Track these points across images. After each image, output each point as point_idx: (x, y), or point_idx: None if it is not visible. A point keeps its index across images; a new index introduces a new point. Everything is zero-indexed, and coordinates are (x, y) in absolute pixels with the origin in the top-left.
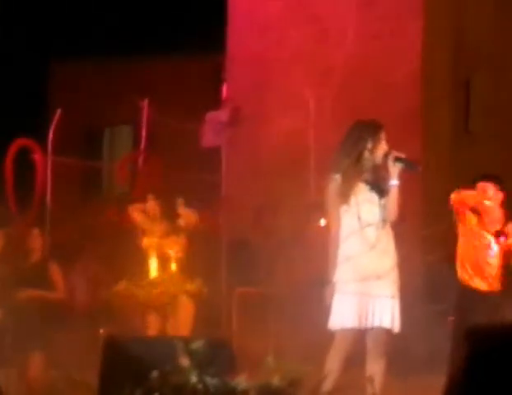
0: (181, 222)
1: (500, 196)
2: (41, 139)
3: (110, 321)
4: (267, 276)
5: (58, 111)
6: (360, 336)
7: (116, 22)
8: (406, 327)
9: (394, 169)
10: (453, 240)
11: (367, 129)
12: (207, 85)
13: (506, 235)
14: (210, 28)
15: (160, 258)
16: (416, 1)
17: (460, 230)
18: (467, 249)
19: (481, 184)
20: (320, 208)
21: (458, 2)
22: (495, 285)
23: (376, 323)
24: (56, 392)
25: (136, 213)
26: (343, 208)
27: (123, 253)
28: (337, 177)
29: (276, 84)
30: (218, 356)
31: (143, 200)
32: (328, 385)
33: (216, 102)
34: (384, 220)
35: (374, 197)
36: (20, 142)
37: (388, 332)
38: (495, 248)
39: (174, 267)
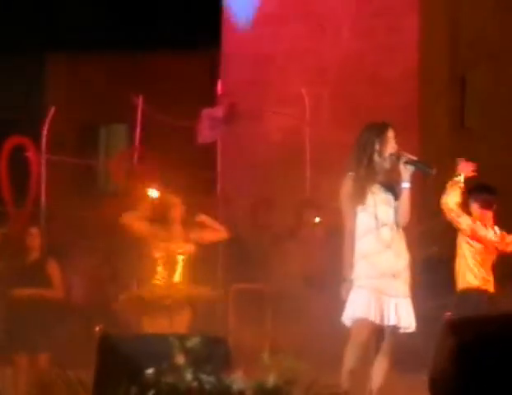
0: (193, 235)
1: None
2: (37, 137)
3: (106, 319)
4: (262, 272)
5: (52, 109)
6: (375, 332)
7: (111, 19)
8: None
9: (405, 172)
10: (450, 236)
11: (373, 131)
12: (202, 81)
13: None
14: (205, 24)
15: (168, 262)
16: None
17: (457, 230)
18: (464, 249)
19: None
20: (315, 205)
21: None
22: (491, 285)
23: (392, 322)
24: (52, 391)
25: (136, 224)
26: (359, 207)
27: (120, 249)
28: (352, 177)
29: (272, 80)
30: (214, 354)
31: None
32: (346, 383)
33: (211, 98)
34: (397, 222)
35: (390, 198)
36: (14, 140)
37: (402, 331)
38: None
39: (180, 271)
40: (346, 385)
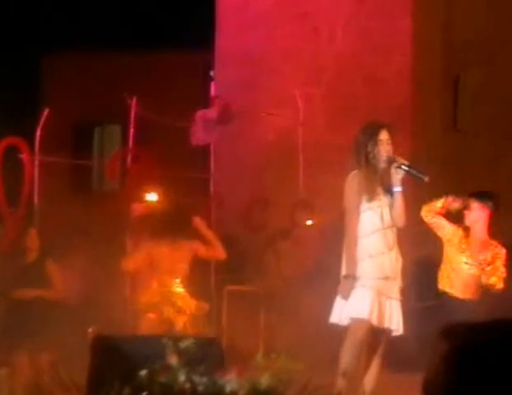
0: (187, 247)
1: (484, 213)
2: (31, 138)
3: (99, 319)
4: (256, 273)
5: (46, 110)
6: (372, 332)
7: (105, 20)
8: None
9: (396, 176)
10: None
11: (366, 133)
12: (196, 82)
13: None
14: (199, 25)
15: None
16: None
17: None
18: (447, 258)
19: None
20: (308, 206)
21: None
22: (472, 294)
23: (390, 324)
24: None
25: (137, 269)
26: (365, 205)
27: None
28: (358, 174)
29: (266, 81)
30: (207, 355)
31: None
32: (342, 383)
33: (205, 100)
34: (396, 225)
35: (389, 201)
36: (7, 141)
37: (395, 333)
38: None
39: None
40: (341, 386)
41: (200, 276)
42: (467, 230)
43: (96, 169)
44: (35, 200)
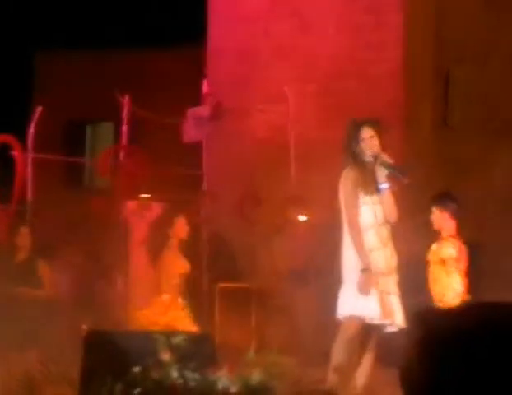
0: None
1: (445, 215)
2: (23, 135)
3: (93, 315)
4: (248, 269)
5: (39, 107)
6: (364, 328)
7: (97, 17)
8: None
9: (380, 173)
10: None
11: (350, 130)
12: (188, 80)
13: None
14: (191, 22)
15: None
16: None
17: None
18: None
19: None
20: (300, 202)
21: None
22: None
23: (392, 320)
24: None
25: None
26: (361, 201)
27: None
28: (352, 172)
29: (258, 78)
30: (199, 351)
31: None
32: (335, 378)
33: (197, 97)
34: (389, 221)
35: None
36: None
37: (395, 328)
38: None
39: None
40: (333, 381)
41: (192, 272)
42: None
43: (89, 166)
44: (28, 197)
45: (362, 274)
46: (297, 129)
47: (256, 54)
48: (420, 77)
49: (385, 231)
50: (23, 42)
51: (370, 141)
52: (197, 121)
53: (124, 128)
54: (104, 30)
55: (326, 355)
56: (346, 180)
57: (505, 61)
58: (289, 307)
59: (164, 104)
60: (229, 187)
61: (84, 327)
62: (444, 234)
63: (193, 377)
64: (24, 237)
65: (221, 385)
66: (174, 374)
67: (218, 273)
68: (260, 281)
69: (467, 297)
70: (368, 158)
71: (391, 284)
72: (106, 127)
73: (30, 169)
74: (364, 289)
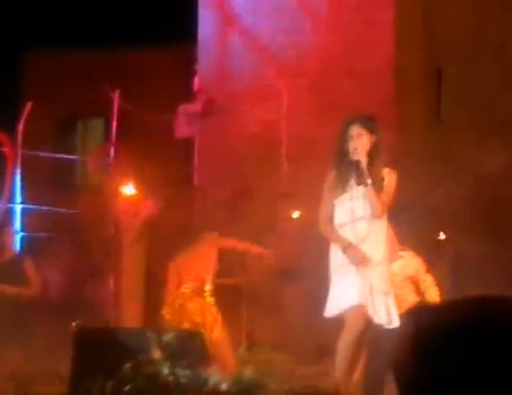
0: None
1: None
2: (14, 133)
3: (83, 314)
4: (239, 266)
5: (29, 104)
6: (368, 318)
7: (87, 13)
8: None
9: (365, 169)
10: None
11: (342, 126)
12: (179, 76)
13: None
14: (182, 19)
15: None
16: None
17: None
18: None
19: None
20: (292, 198)
21: None
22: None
23: (372, 317)
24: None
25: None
26: (337, 200)
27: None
28: (333, 172)
29: (249, 75)
30: (190, 348)
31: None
32: (341, 372)
33: (189, 93)
34: (373, 216)
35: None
36: None
37: (378, 326)
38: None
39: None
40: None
41: None
42: None
43: (79, 162)
44: (19, 194)
45: (347, 252)
46: (287, 125)
47: (247, 51)
48: (411, 74)
49: (365, 227)
50: (13, 39)
51: (356, 139)
52: (189, 117)
53: (114, 125)
54: (95, 27)
55: (317, 352)
56: (326, 183)
57: (496, 58)
58: (280, 304)
59: (155, 100)
60: (220, 182)
61: (74, 324)
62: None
63: (184, 374)
64: (10, 236)
65: (212, 382)
66: (165, 370)
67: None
68: (251, 277)
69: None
70: (353, 155)
71: (372, 278)
72: (97, 124)
73: (20, 166)
74: (357, 260)
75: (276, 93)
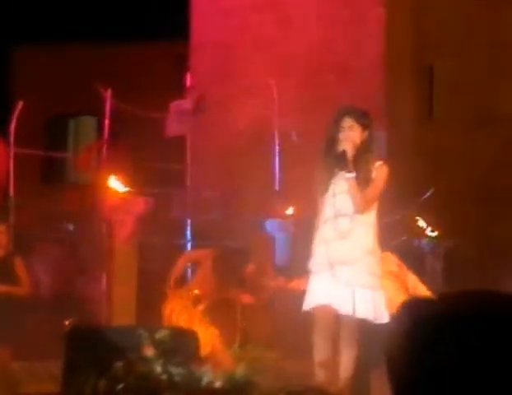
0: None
1: None
2: (5, 130)
3: (75, 311)
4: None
5: (20, 103)
6: (337, 318)
7: (79, 10)
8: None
9: (349, 162)
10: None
11: (335, 116)
12: (171, 73)
13: None
14: (174, 16)
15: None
16: None
17: None
18: None
19: None
20: (283, 195)
21: None
22: None
23: (349, 312)
24: (20, 384)
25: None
26: (324, 196)
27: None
28: (321, 164)
29: (239, 71)
30: (183, 346)
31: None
32: (320, 372)
33: (180, 90)
34: (355, 211)
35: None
36: None
37: (362, 322)
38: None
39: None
40: (319, 374)
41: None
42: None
43: (71, 161)
44: (11, 192)
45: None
46: (278, 121)
47: (238, 48)
48: (401, 70)
49: (347, 223)
50: (3, 38)
51: (347, 131)
52: (180, 115)
53: (107, 122)
54: (87, 24)
55: (309, 349)
56: (316, 181)
57: (486, 54)
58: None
59: (146, 98)
60: (212, 180)
61: (66, 322)
62: None
63: (177, 372)
64: (1, 235)
65: (205, 380)
66: (158, 369)
67: None
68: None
69: None
70: (341, 146)
71: (354, 277)
72: (89, 122)
73: (12, 164)
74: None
75: (266, 89)
